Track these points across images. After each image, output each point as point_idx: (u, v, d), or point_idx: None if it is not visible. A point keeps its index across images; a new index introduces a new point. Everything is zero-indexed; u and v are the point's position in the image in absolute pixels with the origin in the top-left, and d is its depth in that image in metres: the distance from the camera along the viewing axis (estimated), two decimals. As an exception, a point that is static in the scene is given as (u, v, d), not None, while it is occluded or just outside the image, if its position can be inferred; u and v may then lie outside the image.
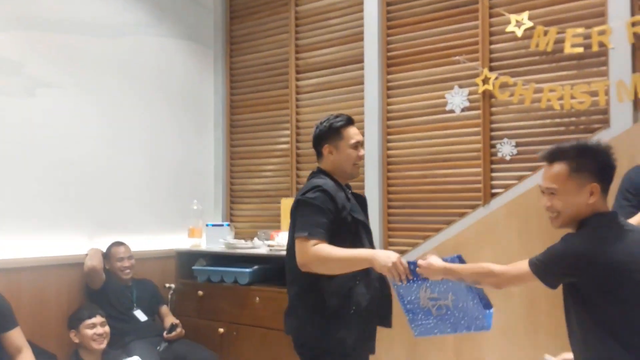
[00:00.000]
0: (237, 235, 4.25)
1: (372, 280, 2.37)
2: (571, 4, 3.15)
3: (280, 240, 3.65)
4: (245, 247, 3.79)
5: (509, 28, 3.28)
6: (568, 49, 3.09)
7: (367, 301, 2.33)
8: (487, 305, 2.22)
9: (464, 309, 2.23)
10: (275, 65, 4.33)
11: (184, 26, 4.39)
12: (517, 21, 3.25)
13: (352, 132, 2.46)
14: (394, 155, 3.75)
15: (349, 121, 2.47)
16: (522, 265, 1.89)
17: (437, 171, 3.56)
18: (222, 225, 4.04)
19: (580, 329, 1.83)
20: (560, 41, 3.12)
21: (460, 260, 2.16)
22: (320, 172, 2.46)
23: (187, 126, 4.40)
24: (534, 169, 3.19)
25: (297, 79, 4.21)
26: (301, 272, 2.28)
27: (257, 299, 3.55)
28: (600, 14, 3.04)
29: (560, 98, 3.11)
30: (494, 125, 3.37)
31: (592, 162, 1.84)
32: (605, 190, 1.85)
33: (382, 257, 2.17)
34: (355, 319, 2.31)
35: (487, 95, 3.38)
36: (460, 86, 3.48)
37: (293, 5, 4.22)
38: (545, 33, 3.16)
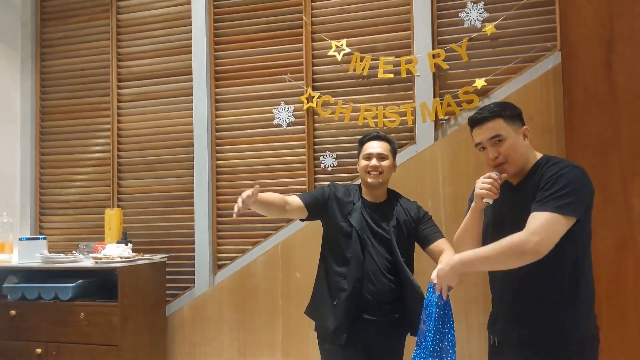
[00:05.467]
0: (50, 249, 3.99)
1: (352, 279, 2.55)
2: (383, 35, 3.61)
3: (107, 252, 3.55)
4: (67, 260, 3.60)
5: (330, 52, 3.64)
6: (381, 74, 3.54)
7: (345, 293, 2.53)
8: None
9: (426, 336, 2.06)
10: (94, 72, 4.18)
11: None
12: (337, 47, 3.63)
13: (369, 145, 2.68)
14: (223, 165, 3.88)
15: (374, 137, 2.72)
16: (548, 217, 1.76)
17: (266, 181, 3.77)
18: (37, 238, 3.77)
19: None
20: (374, 67, 3.55)
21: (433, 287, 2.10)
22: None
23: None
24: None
25: (119, 87, 4.12)
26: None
27: (82, 314, 3.40)
28: (407, 46, 3.54)
29: (375, 117, 3.54)
30: (317, 140, 3.70)
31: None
32: None
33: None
34: (336, 310, 2.54)
35: (311, 112, 3.70)
36: (286, 103, 3.76)
37: (114, 13, 4.13)
38: (362, 59, 3.58)
